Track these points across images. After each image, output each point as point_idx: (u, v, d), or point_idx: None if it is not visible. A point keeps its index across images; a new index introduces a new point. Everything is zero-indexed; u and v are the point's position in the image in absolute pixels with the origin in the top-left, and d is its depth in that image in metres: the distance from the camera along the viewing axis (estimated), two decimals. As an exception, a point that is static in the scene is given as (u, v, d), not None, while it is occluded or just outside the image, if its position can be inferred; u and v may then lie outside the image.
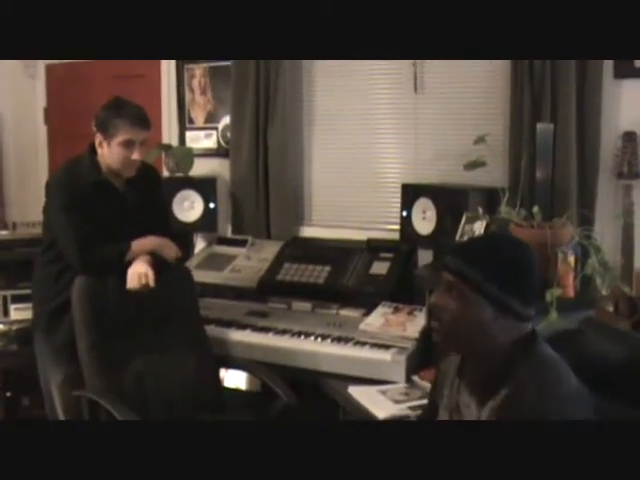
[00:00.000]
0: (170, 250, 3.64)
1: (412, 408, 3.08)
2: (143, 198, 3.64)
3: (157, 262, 3.55)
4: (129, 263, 3.49)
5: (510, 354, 2.05)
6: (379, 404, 3.15)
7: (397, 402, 3.16)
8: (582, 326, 2.47)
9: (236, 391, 4.35)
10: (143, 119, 3.47)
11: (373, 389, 3.31)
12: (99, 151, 3.49)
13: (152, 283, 3.47)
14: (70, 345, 3.45)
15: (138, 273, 3.45)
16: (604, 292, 3.09)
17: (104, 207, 3.52)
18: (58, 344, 3.59)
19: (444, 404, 2.25)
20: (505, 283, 2.03)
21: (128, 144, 3.43)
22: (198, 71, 4.98)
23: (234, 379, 4.35)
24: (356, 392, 3.30)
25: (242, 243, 4.55)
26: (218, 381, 3.79)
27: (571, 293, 3.13)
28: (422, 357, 3.47)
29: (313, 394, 3.71)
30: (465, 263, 2.05)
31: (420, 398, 3.17)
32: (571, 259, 3.13)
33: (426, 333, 3.50)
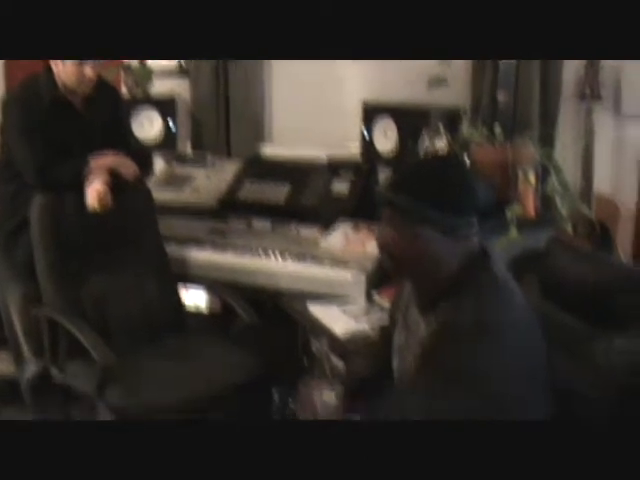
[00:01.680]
0: (129, 168, 3.59)
1: (372, 325, 3.09)
2: (102, 116, 3.60)
3: (116, 180, 3.51)
4: (88, 181, 3.45)
5: (459, 276, 2.03)
6: (339, 321, 3.16)
7: (357, 319, 3.17)
8: (549, 246, 2.48)
9: (196, 310, 4.35)
10: None
11: (333, 307, 3.31)
12: (54, 69, 3.42)
13: (110, 202, 3.44)
14: (28, 264, 3.42)
15: (96, 191, 3.41)
16: (564, 212, 3.10)
17: (62, 125, 3.47)
18: (16, 263, 3.56)
19: (400, 321, 2.27)
20: (441, 203, 1.99)
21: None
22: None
23: (194, 298, 4.34)
24: (316, 310, 3.31)
25: (202, 162, 4.51)
26: (178, 300, 3.79)
27: (531, 212, 3.15)
28: (383, 275, 3.47)
29: (273, 312, 3.73)
30: (396, 193, 2.02)
31: (379, 316, 3.18)
32: (532, 178, 3.14)
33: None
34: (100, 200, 3.40)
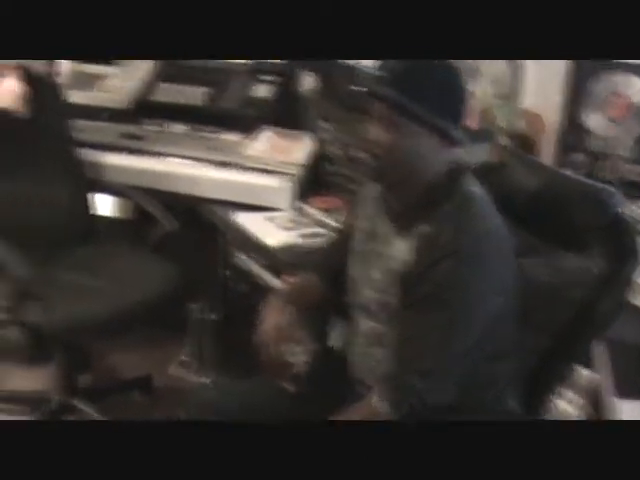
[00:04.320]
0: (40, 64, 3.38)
1: (303, 236, 2.98)
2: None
3: (28, 78, 3.29)
4: None
5: (437, 186, 1.96)
6: (268, 232, 3.03)
7: (287, 229, 3.05)
8: (505, 159, 2.39)
9: (109, 219, 4.16)
10: None
11: (259, 216, 3.18)
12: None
13: (22, 102, 3.23)
14: None
15: (10, 89, 3.19)
16: (502, 125, 3.04)
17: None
18: None
19: (362, 229, 2.17)
20: (444, 109, 1.91)
21: None
22: None
23: (107, 205, 4.14)
24: (242, 219, 3.17)
25: (113, 60, 4.24)
26: (92, 208, 3.61)
27: (473, 124, 3.07)
28: (310, 184, 3.36)
29: (193, 221, 3.58)
30: (400, 92, 1.88)
31: (309, 226, 3.08)
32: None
33: (316, 159, 3.39)
34: (14, 98, 3.18)
